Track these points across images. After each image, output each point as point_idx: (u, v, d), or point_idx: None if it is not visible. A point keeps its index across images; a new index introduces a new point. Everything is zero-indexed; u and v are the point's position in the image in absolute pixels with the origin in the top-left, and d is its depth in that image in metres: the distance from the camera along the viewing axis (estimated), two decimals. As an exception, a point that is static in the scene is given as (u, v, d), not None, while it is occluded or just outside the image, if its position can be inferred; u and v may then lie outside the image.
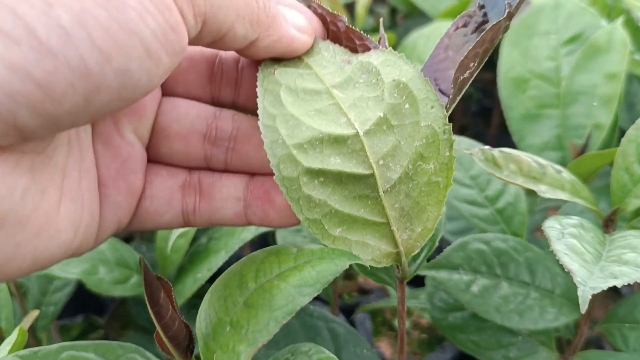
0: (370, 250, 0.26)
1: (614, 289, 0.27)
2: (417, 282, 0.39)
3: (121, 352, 0.26)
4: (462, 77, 0.27)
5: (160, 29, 0.18)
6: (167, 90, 0.27)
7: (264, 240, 0.57)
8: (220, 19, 0.20)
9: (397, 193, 0.25)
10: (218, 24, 0.20)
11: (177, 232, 0.41)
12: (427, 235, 0.26)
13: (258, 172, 0.26)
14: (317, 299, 0.38)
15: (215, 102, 0.27)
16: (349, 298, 0.60)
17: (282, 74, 0.25)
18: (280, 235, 0.40)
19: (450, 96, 0.27)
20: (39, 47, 0.16)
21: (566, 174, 0.32)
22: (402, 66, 0.25)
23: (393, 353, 0.55)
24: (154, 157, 0.26)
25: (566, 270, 0.24)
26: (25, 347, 0.28)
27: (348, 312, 0.57)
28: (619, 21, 0.42)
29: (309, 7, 0.27)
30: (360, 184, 0.24)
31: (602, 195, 0.38)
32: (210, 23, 0.20)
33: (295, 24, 0.24)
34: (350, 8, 0.74)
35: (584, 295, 0.23)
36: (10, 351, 0.28)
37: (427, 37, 0.57)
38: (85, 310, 0.59)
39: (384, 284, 0.33)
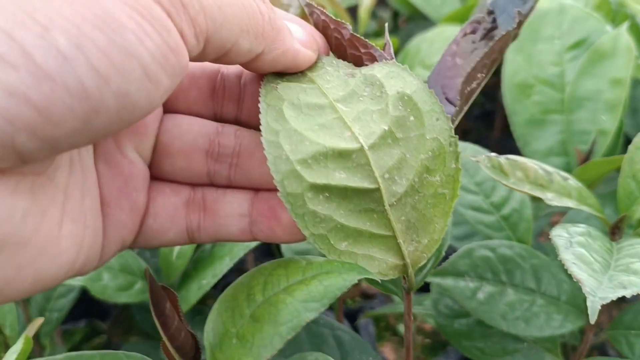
0: (377, 264, 0.25)
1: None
2: (422, 287, 0.39)
3: (127, 361, 0.26)
4: (469, 88, 0.26)
5: (159, 51, 0.18)
6: (169, 107, 0.26)
7: (268, 246, 0.57)
8: (224, 35, 0.20)
9: (403, 206, 0.25)
10: (222, 40, 0.20)
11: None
12: (433, 247, 0.26)
13: (262, 188, 0.26)
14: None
15: (218, 118, 0.27)
16: (352, 303, 0.59)
17: (285, 88, 0.24)
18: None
19: (457, 107, 0.27)
20: (37, 71, 0.15)
21: (572, 181, 0.32)
22: (406, 78, 0.25)
23: (397, 358, 0.54)
24: (157, 175, 0.26)
25: (575, 280, 0.24)
26: (30, 354, 0.28)
27: (351, 316, 0.57)
28: (624, 26, 0.42)
29: (312, 13, 0.27)
30: (365, 198, 0.24)
31: (607, 202, 0.38)
32: (213, 40, 0.20)
33: (300, 39, 0.24)
34: (352, 12, 0.74)
35: (594, 306, 0.22)
36: (16, 360, 0.27)
37: (430, 42, 0.56)
38: (88, 315, 0.59)
39: (390, 294, 0.33)
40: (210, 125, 0.26)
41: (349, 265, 0.24)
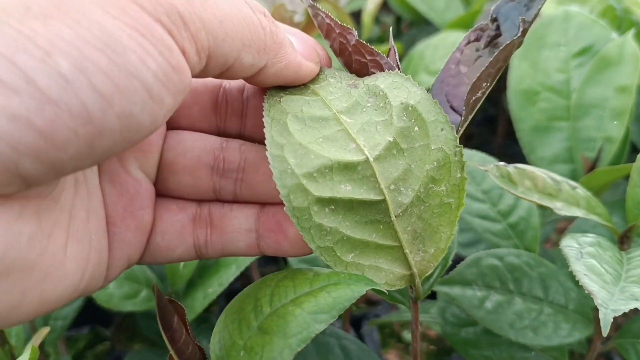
0: (384, 274, 0.25)
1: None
2: (428, 295, 0.39)
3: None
4: (474, 97, 0.26)
5: (161, 70, 0.17)
6: (172, 123, 0.26)
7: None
8: (226, 50, 0.20)
9: (409, 216, 0.24)
10: (224, 55, 0.20)
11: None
12: (440, 256, 0.26)
13: (268, 202, 0.26)
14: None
15: (221, 133, 0.27)
16: (356, 309, 0.59)
17: (288, 101, 0.24)
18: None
19: (463, 117, 0.27)
20: (39, 95, 0.15)
21: (581, 190, 0.32)
22: (409, 88, 0.25)
23: (401, 365, 0.54)
24: (163, 192, 0.26)
25: (587, 291, 0.24)
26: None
27: (356, 323, 0.57)
28: (630, 34, 0.42)
29: (316, 15, 0.26)
30: (371, 210, 0.24)
31: (615, 210, 0.38)
32: (215, 56, 0.20)
33: (301, 51, 0.24)
34: (355, 17, 0.74)
35: (606, 319, 0.22)
36: (23, 371, 0.27)
37: (434, 47, 0.56)
38: (91, 322, 0.58)
39: (397, 303, 0.33)
40: (214, 141, 0.26)
41: (357, 276, 0.24)
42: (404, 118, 0.24)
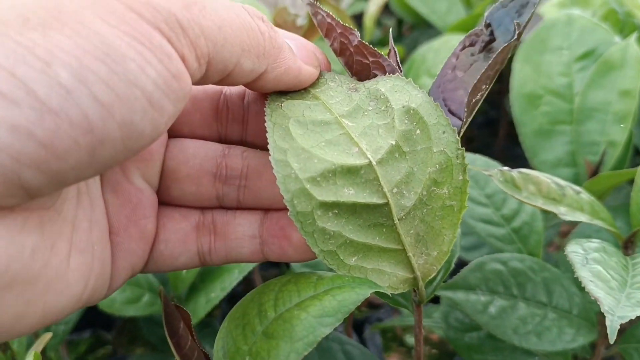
0: (387, 277, 0.25)
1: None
2: (431, 299, 0.39)
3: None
4: (474, 100, 0.26)
5: (161, 78, 0.17)
6: (173, 131, 0.26)
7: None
8: (226, 56, 0.20)
9: (412, 219, 0.24)
10: (224, 62, 0.20)
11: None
12: (443, 259, 0.26)
13: (271, 208, 0.26)
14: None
15: (223, 139, 0.27)
16: (358, 313, 0.59)
17: (289, 106, 0.24)
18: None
19: (463, 120, 0.27)
20: (40, 106, 0.15)
21: (585, 195, 0.32)
22: (411, 92, 0.25)
23: (404, 369, 0.54)
24: (166, 200, 0.26)
25: (593, 298, 0.24)
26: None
27: (358, 326, 0.57)
28: (633, 37, 0.42)
29: (316, 14, 0.26)
30: (374, 213, 0.24)
31: (618, 214, 0.38)
32: (215, 62, 0.20)
33: (301, 56, 0.24)
34: (357, 19, 0.74)
35: (613, 325, 0.22)
36: (26, 377, 0.27)
37: (436, 51, 0.56)
38: (93, 325, 0.58)
39: (400, 307, 0.33)
40: (216, 148, 0.26)
41: (360, 279, 0.24)
42: (406, 121, 0.24)
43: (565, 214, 0.30)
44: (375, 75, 0.26)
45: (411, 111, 0.24)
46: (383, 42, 0.75)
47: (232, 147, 0.26)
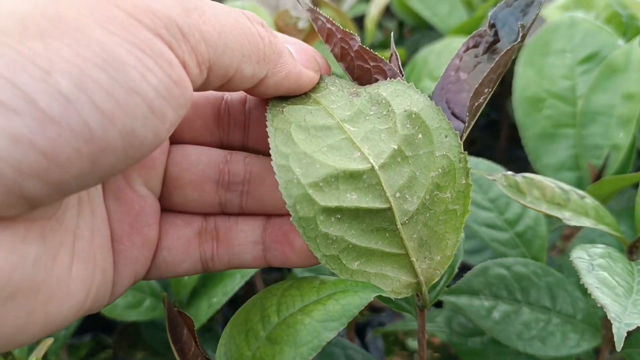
0: (390, 282, 0.25)
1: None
2: (434, 303, 0.38)
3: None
4: (477, 103, 0.26)
5: (162, 85, 0.17)
6: (175, 138, 0.26)
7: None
8: (226, 62, 0.20)
9: (415, 224, 0.24)
10: (224, 68, 0.20)
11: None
12: (446, 263, 0.26)
13: (274, 214, 0.26)
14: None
15: (225, 145, 0.27)
16: (360, 317, 0.59)
17: (291, 111, 0.24)
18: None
19: (466, 123, 0.27)
20: (41, 116, 0.15)
21: (589, 200, 0.32)
22: (412, 96, 0.25)
23: (406, 373, 0.54)
24: (168, 207, 0.26)
25: (599, 305, 0.23)
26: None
27: (359, 330, 0.57)
28: (637, 40, 0.42)
29: (316, 19, 0.26)
30: (377, 218, 0.24)
31: (622, 218, 0.38)
32: (216, 68, 0.20)
33: (301, 60, 0.24)
34: (358, 22, 0.74)
35: (620, 333, 0.22)
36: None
37: (438, 53, 0.56)
38: (93, 329, 0.58)
39: (403, 312, 0.33)
40: (218, 154, 0.26)
41: (363, 283, 0.24)
42: (408, 125, 0.24)
43: (570, 219, 0.30)
44: (377, 80, 0.26)
45: (413, 115, 0.24)
46: (384, 45, 0.75)
47: (234, 153, 0.26)
